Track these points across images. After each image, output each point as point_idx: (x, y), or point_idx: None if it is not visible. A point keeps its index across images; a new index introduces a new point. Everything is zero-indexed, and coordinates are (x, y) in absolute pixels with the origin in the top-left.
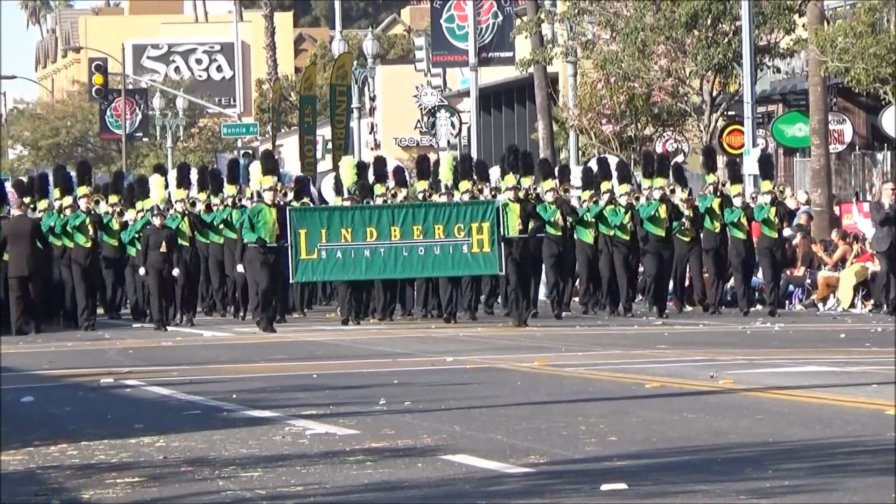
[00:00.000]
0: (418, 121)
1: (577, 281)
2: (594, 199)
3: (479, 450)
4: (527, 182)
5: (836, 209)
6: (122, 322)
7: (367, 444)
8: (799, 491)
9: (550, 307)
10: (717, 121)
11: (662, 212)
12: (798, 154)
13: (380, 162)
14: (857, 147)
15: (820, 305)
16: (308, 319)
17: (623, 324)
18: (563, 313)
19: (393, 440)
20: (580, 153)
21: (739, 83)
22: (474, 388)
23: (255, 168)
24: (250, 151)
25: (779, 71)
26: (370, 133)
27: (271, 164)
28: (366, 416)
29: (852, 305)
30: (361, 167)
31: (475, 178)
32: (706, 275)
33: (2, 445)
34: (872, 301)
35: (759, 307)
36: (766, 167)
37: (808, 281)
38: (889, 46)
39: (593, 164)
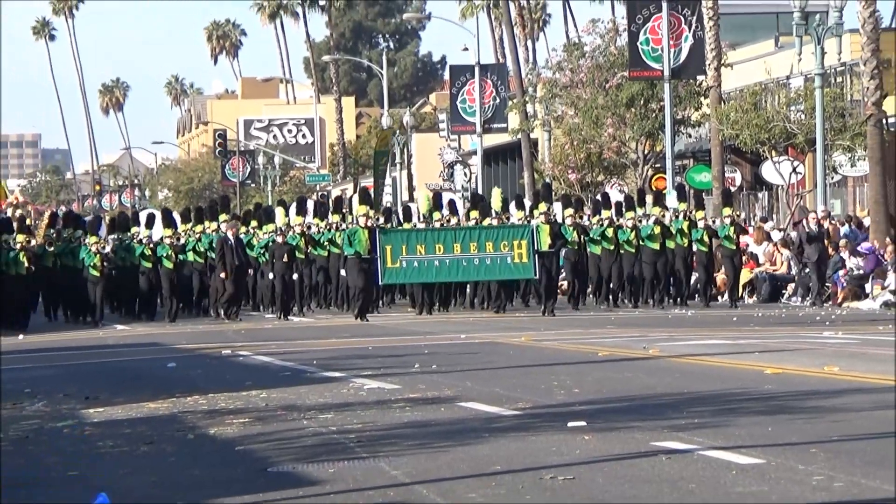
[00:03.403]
0: (441, 171)
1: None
2: (600, 222)
3: (483, 399)
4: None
5: None
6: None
7: (406, 395)
8: (705, 426)
9: (568, 301)
10: (647, 171)
11: (657, 231)
12: (704, 193)
13: (437, 196)
14: (744, 189)
15: (719, 298)
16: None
17: (583, 311)
18: (580, 305)
19: (424, 392)
20: (553, 194)
21: (663, 145)
22: (480, 356)
23: (355, 201)
24: (326, 193)
25: (690, 136)
26: (408, 180)
27: (365, 198)
28: (405, 375)
29: (741, 298)
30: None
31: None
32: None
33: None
34: (755, 295)
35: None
36: (728, 198)
37: None
38: (766, 119)
39: (599, 198)
